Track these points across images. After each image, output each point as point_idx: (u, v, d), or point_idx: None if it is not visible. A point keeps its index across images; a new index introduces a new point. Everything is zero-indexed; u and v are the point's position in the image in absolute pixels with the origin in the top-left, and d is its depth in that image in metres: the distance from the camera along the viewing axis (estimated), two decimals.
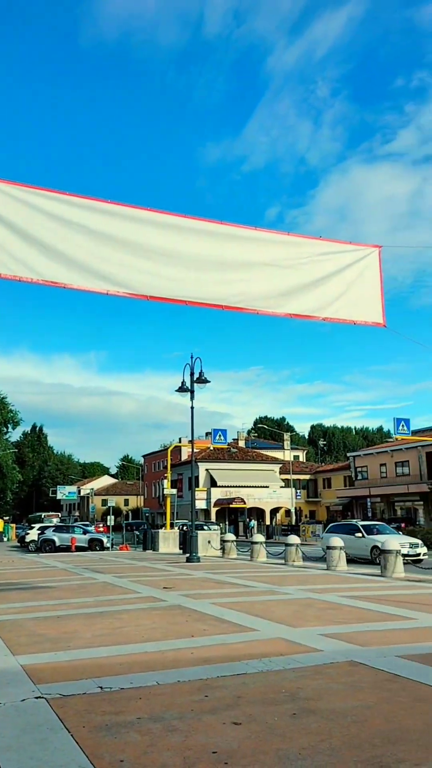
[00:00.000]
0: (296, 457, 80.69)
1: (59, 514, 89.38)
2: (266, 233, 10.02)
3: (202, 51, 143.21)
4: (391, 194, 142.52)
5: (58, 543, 35.19)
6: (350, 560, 20.97)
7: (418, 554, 22.06)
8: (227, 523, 59.62)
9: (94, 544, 35.40)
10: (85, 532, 37.19)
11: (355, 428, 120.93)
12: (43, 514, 73.20)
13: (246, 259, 9.49)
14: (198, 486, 59.65)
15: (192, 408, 23.90)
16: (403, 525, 47.13)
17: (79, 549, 34.49)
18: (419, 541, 23.18)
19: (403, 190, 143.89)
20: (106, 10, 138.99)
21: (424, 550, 22.82)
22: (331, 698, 5.01)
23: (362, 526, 24.22)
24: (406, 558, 20.95)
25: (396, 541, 22.02)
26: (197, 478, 61.41)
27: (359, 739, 4.08)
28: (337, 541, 19.20)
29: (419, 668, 5.93)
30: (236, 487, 61.52)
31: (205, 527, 41.95)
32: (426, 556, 23.02)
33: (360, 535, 23.11)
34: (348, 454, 74.66)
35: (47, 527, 39.86)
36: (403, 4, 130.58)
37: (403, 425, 34.51)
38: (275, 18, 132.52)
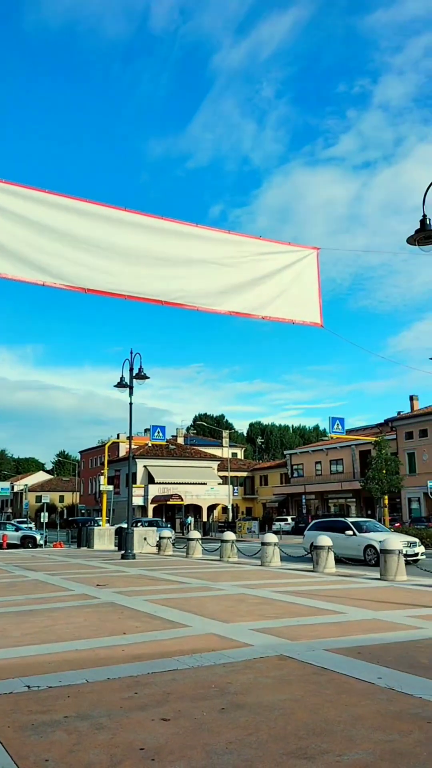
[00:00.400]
0: (234, 455, 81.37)
1: None
2: (208, 231, 10.04)
3: (147, 45, 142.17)
4: (331, 198, 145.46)
5: None
6: (337, 561, 18.19)
7: (416, 553, 20.24)
8: (164, 519, 59.52)
9: (27, 542, 34.70)
10: (17, 529, 36.38)
11: (292, 426, 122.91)
12: None
13: (187, 256, 9.48)
14: (135, 483, 59.35)
15: (131, 404, 23.72)
16: None
17: (11, 546, 33.73)
18: (417, 540, 21.28)
19: (344, 194, 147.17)
20: None
21: (422, 549, 21.09)
22: (259, 692, 5.07)
23: (352, 523, 21.78)
24: (407, 558, 18.20)
25: (397, 540, 19.09)
26: (135, 474, 61.05)
27: (285, 732, 4.15)
28: (271, 537, 19.46)
29: (346, 661, 6.07)
30: (174, 483, 61.56)
31: (161, 523, 41.93)
32: (424, 556, 21.17)
33: (351, 533, 20.57)
34: (285, 452, 75.89)
35: None
36: (346, 11, 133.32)
37: (338, 424, 35.33)
38: (222, 16, 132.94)
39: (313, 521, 25.19)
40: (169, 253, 9.27)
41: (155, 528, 32.87)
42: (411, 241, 10.52)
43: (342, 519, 23.16)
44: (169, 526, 44.22)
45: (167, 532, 27.26)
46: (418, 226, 10.38)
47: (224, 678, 5.51)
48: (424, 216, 10.32)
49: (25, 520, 51.38)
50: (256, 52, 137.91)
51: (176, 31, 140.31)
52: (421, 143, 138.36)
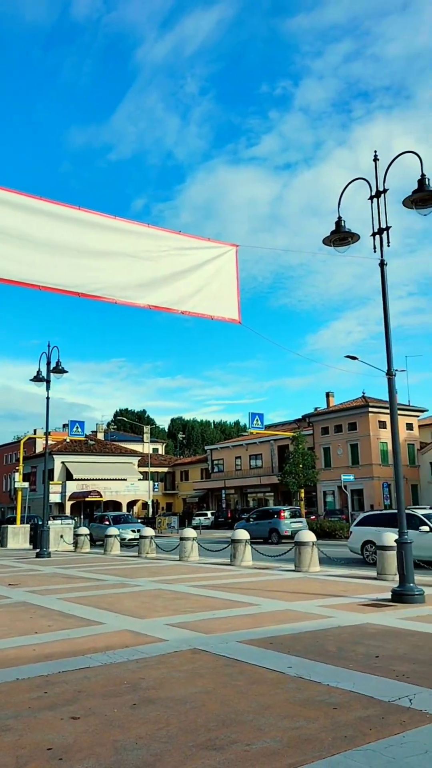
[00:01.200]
0: (155, 450, 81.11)
1: None
2: (127, 223, 9.94)
3: (70, 32, 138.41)
4: (253, 197, 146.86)
5: None
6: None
7: None
8: (82, 516, 58.60)
9: None
10: None
11: (213, 422, 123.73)
12: None
13: (105, 248, 9.35)
14: (53, 479, 58.07)
15: (48, 398, 23.17)
16: None
17: None
18: None
19: (266, 194, 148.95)
20: None
21: None
22: (171, 686, 5.09)
23: (426, 516, 17.27)
24: None
25: None
26: (52, 471, 59.76)
27: (196, 725, 4.18)
28: (190, 532, 19.53)
29: (258, 652, 6.19)
30: (93, 480, 60.64)
31: (130, 518, 35.66)
32: None
33: (427, 529, 16.40)
34: (205, 448, 76.32)
35: None
36: (269, 13, 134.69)
37: (257, 420, 35.95)
38: (146, 9, 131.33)
39: (365, 514, 19.72)
40: (87, 245, 9.10)
41: (135, 525, 30.47)
42: (327, 242, 10.81)
43: (413, 512, 18.21)
44: (139, 521, 37.57)
45: (83, 529, 26.73)
46: (335, 228, 10.68)
47: (137, 674, 5.49)
48: (339, 218, 10.62)
49: None
50: (181, 47, 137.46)
51: (99, 21, 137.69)
52: (340, 148, 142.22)
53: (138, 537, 23.26)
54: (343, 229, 10.56)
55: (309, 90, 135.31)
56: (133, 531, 28.94)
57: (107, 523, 30.84)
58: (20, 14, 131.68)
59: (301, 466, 41.90)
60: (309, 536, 15.08)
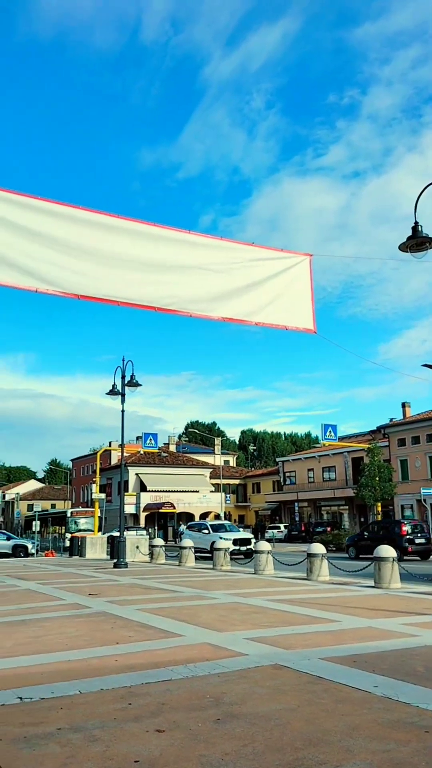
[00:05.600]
0: (226, 462, 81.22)
1: None
2: (198, 237, 10.02)
3: (138, 56, 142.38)
4: (321, 207, 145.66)
5: None
6: None
7: None
8: (156, 527, 59.33)
9: (18, 551, 34.44)
10: (8, 538, 36.12)
11: (284, 434, 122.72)
12: None
13: (177, 262, 9.46)
14: (127, 491, 59.10)
15: (123, 411, 23.64)
16: (328, 529, 48.31)
17: (2, 555, 33.48)
18: None
19: (333, 203, 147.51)
20: (41, 7, 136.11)
21: None
22: (255, 702, 5.01)
23: (211, 525, 17.45)
24: None
25: None
26: (126, 482, 60.83)
27: (282, 743, 4.09)
28: (265, 545, 19.36)
29: (341, 670, 6.02)
30: (166, 491, 61.35)
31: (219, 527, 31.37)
32: None
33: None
34: (277, 459, 75.87)
35: None
36: (335, 24, 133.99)
37: (330, 431, 35.36)
38: (212, 28, 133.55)
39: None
40: (160, 259, 9.24)
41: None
42: (403, 248, 10.55)
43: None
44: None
45: (159, 540, 26.98)
46: (410, 234, 10.41)
47: (219, 688, 5.44)
48: (416, 223, 10.35)
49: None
50: (246, 63, 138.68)
51: (167, 43, 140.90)
52: (410, 153, 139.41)
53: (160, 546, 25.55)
54: (420, 234, 10.29)
55: (377, 97, 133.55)
56: None
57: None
58: (91, 40, 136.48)
59: (377, 478, 40.86)
60: (389, 551, 14.63)
